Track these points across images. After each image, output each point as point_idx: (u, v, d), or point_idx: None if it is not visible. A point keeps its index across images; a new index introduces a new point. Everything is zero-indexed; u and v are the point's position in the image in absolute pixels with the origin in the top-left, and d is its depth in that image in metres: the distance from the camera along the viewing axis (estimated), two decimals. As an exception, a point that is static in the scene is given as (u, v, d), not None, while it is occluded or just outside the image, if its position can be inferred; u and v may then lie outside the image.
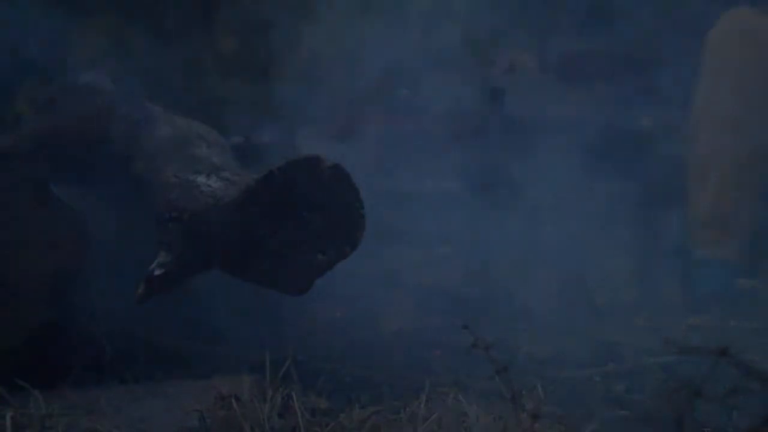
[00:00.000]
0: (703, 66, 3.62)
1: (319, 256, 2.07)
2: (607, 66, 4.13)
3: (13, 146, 2.46)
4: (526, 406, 1.77)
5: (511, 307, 3.99)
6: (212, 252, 2.11)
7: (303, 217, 2.06)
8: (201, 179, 2.16)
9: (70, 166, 2.46)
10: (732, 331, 2.97)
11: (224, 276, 2.21)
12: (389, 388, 2.11)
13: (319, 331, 2.62)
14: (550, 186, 4.57)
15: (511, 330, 3.06)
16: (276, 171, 2.03)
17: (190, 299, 2.31)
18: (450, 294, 3.32)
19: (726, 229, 3.56)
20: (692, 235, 3.67)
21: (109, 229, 2.42)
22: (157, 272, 2.06)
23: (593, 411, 2.01)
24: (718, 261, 3.56)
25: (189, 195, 2.14)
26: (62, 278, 2.02)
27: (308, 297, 2.58)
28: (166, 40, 2.76)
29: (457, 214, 5.02)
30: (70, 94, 2.56)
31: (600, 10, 3.97)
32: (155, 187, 2.23)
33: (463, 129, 4.23)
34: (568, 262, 4.41)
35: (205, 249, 2.11)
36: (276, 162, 2.08)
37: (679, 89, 3.84)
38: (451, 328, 3.07)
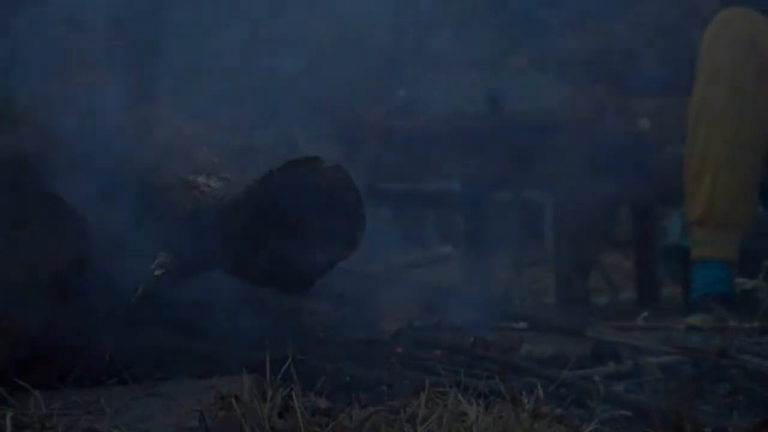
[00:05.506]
0: (698, 65, 3.63)
1: (319, 256, 2.07)
2: None
3: (14, 146, 2.46)
4: (526, 406, 1.77)
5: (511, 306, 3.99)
6: (212, 252, 2.11)
7: (303, 218, 2.06)
8: (201, 179, 2.16)
9: (71, 166, 2.45)
10: (731, 331, 2.97)
11: (224, 276, 2.22)
12: (389, 388, 2.11)
13: (319, 331, 2.62)
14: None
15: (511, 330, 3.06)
16: (276, 171, 2.03)
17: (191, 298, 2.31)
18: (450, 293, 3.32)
19: (724, 228, 3.56)
20: (691, 234, 3.67)
21: (109, 230, 2.42)
22: (157, 272, 2.06)
23: (593, 411, 2.01)
24: (717, 260, 3.56)
25: (189, 195, 2.14)
26: (62, 278, 2.02)
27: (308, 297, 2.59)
28: None
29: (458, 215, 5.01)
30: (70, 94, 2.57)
31: None
32: (155, 187, 2.23)
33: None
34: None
35: (205, 249, 2.11)
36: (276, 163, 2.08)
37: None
38: (451, 327, 3.08)
